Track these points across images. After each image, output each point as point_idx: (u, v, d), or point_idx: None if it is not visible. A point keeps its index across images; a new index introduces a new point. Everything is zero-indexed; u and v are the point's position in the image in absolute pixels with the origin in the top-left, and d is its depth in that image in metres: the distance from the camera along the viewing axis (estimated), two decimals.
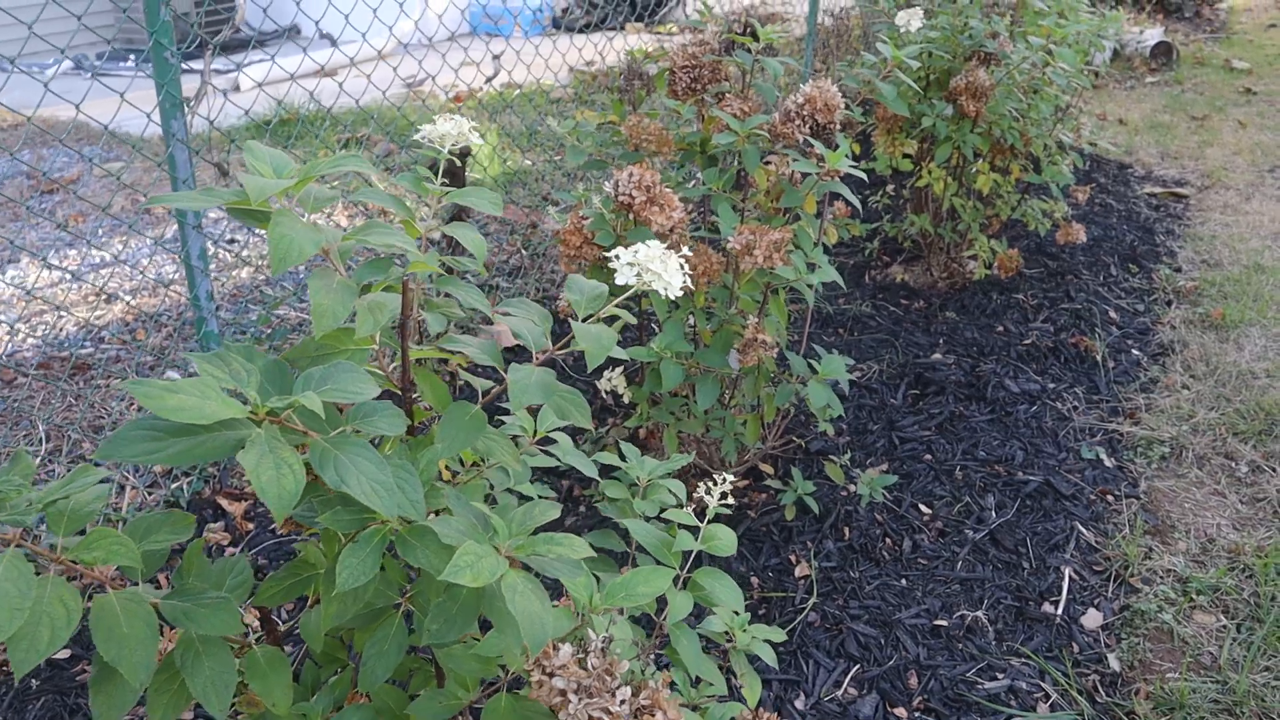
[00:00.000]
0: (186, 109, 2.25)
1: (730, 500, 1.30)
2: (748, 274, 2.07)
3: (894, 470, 2.63)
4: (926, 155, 3.42)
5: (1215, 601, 2.22)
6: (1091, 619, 2.19)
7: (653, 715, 0.96)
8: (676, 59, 2.42)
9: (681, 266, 0.99)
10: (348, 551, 0.92)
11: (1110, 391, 3.04)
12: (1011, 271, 3.56)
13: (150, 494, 2.53)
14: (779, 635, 1.42)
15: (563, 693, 0.93)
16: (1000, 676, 2.01)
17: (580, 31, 8.17)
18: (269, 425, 0.84)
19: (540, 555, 0.90)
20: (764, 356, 2.06)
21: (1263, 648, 2.08)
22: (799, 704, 1.95)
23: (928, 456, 2.70)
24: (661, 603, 1.19)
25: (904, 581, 2.27)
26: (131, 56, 7.06)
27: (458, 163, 2.85)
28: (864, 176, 2.13)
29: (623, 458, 1.37)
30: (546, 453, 1.19)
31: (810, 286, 2.04)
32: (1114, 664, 2.06)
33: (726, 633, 1.39)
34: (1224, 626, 2.15)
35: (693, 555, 1.23)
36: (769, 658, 1.40)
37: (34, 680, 1.98)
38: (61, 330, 3.37)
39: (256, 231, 3.94)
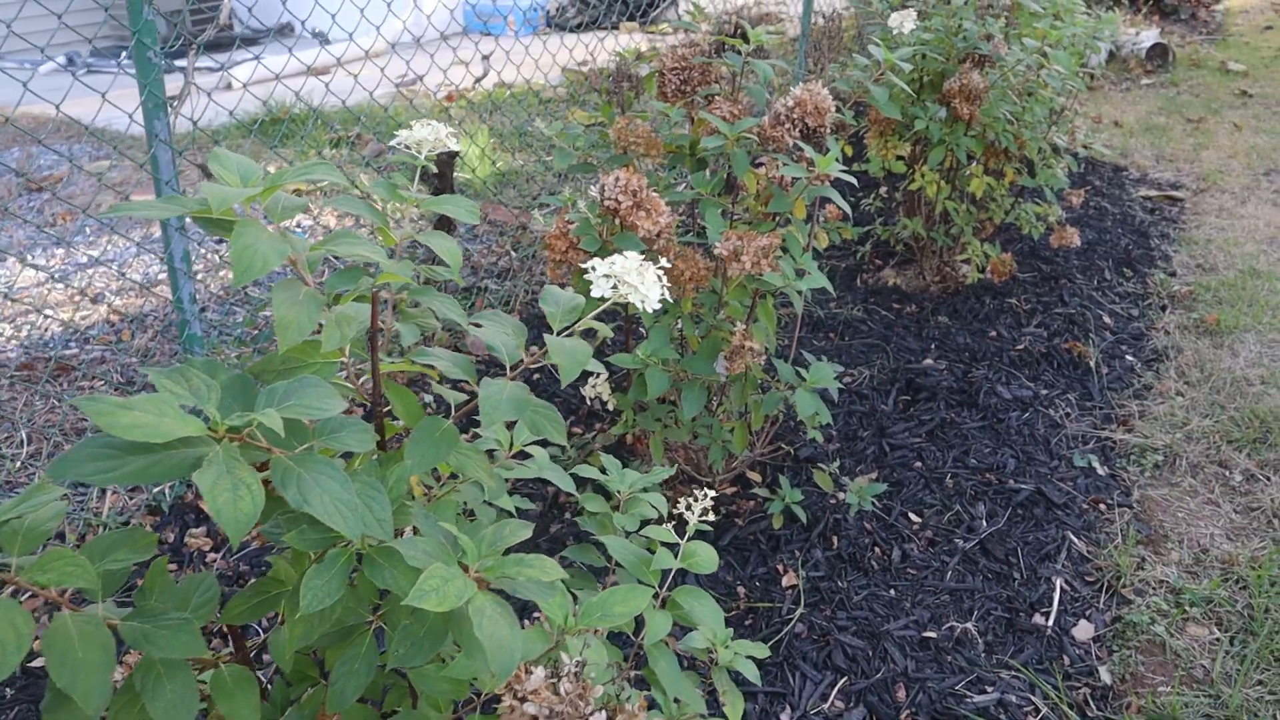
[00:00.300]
0: (170, 109, 2.21)
1: (711, 517, 1.27)
2: (735, 280, 2.04)
3: (884, 478, 2.60)
4: (919, 158, 3.39)
5: (1208, 613, 2.19)
6: (1083, 630, 2.16)
7: None
8: (666, 61, 2.39)
9: (660, 278, 0.96)
10: (312, 573, 0.89)
11: (1103, 398, 3.02)
12: (1005, 276, 3.54)
13: (132, 498, 2.49)
14: (763, 651, 1.39)
15: (534, 718, 0.90)
16: (990, 689, 1.99)
17: (574, 31, 8.14)
18: (228, 444, 0.81)
19: (510, 578, 0.87)
20: (751, 364, 2.03)
21: (1256, 661, 2.05)
22: (784, 718, 1.92)
23: (918, 464, 2.67)
24: (641, 621, 1.16)
25: (893, 592, 2.24)
26: (124, 53, 7.01)
27: (442, 165, 2.82)
28: (854, 181, 2.11)
29: (603, 470, 1.34)
30: (523, 466, 1.16)
31: (799, 293, 2.02)
32: (1105, 677, 2.04)
33: (709, 649, 1.36)
34: (1217, 639, 2.12)
35: (673, 572, 1.20)
36: (752, 675, 1.37)
37: (8, 689, 1.95)
38: (46, 331, 3.33)
39: None
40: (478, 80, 3.34)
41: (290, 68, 5.56)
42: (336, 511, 0.82)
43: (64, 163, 5.07)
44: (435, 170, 2.96)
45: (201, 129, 3.52)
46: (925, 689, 1.98)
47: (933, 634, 2.13)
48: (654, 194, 1.98)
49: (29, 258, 3.85)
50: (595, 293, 0.94)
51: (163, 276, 3.66)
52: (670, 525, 1.24)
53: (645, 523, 1.30)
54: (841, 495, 2.50)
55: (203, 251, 3.82)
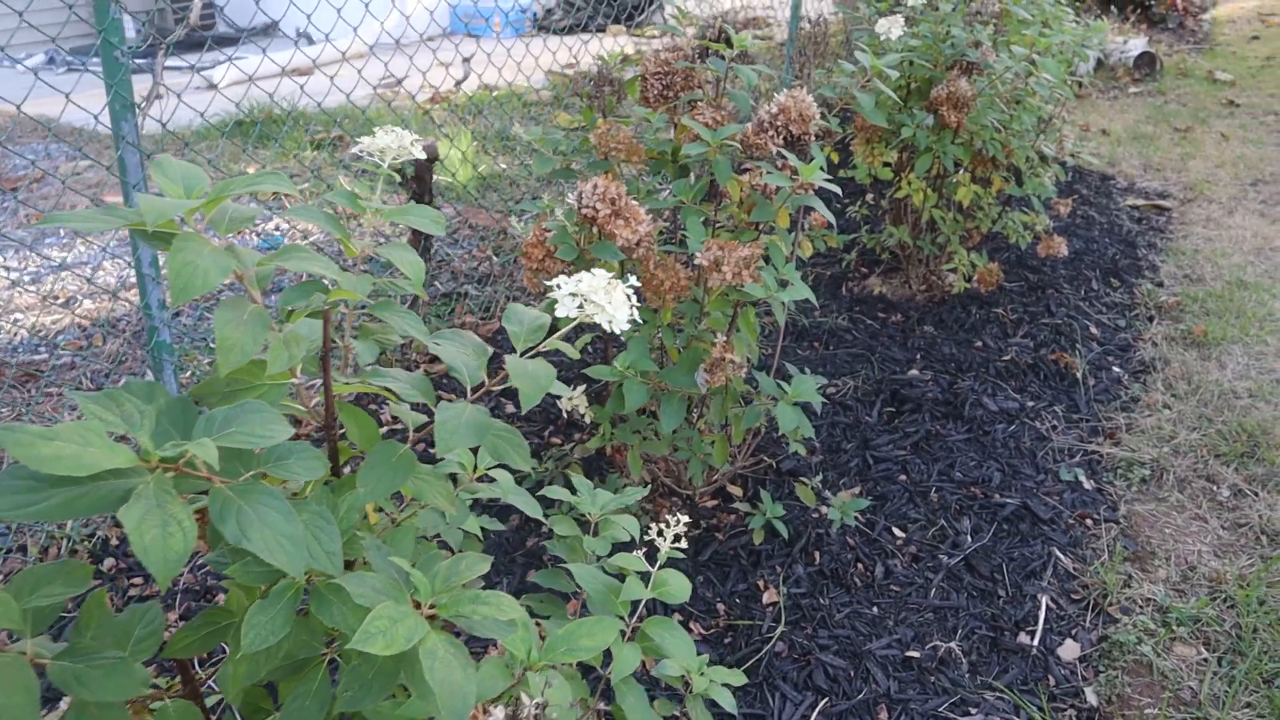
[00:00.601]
0: (138, 111, 2.15)
1: (684, 544, 1.22)
2: (716, 290, 1.99)
3: (868, 491, 2.56)
4: (906, 166, 3.35)
5: (1196, 633, 2.15)
6: (1069, 650, 2.12)
7: None
8: (648, 65, 2.34)
9: (629, 297, 0.91)
10: (256, 609, 0.84)
11: (1090, 410, 2.98)
12: (992, 286, 3.50)
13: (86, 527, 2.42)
14: (739, 678, 1.34)
15: None
16: (974, 711, 1.94)
17: (561, 33, 8.09)
18: (161, 475, 0.76)
19: (465, 616, 0.81)
20: (732, 376, 1.98)
21: (1244, 683, 2.01)
22: None
23: (902, 477, 2.63)
24: (609, 653, 1.11)
25: (875, 609, 2.20)
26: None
27: (420, 169, 2.77)
28: (838, 191, 2.06)
29: (573, 490, 1.29)
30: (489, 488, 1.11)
31: (782, 304, 1.97)
32: (1091, 698, 2.00)
33: (684, 676, 1.31)
34: (1205, 660, 2.08)
35: (644, 601, 1.15)
36: (729, 704, 1.32)
37: None
38: (16, 335, 3.26)
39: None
40: (458, 83, 3.29)
41: (270, 69, 5.50)
42: (279, 547, 0.77)
43: (41, 161, 4.99)
44: (413, 175, 2.90)
45: (178, 130, 3.46)
46: (908, 710, 1.94)
47: (916, 653, 2.08)
48: (633, 202, 1.93)
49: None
50: (560, 312, 0.89)
51: (133, 280, 3.59)
52: (642, 552, 1.19)
53: (617, 546, 1.25)
54: (824, 509, 2.45)
55: None
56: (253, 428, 0.80)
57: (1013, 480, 2.63)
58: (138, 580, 2.22)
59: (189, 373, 2.90)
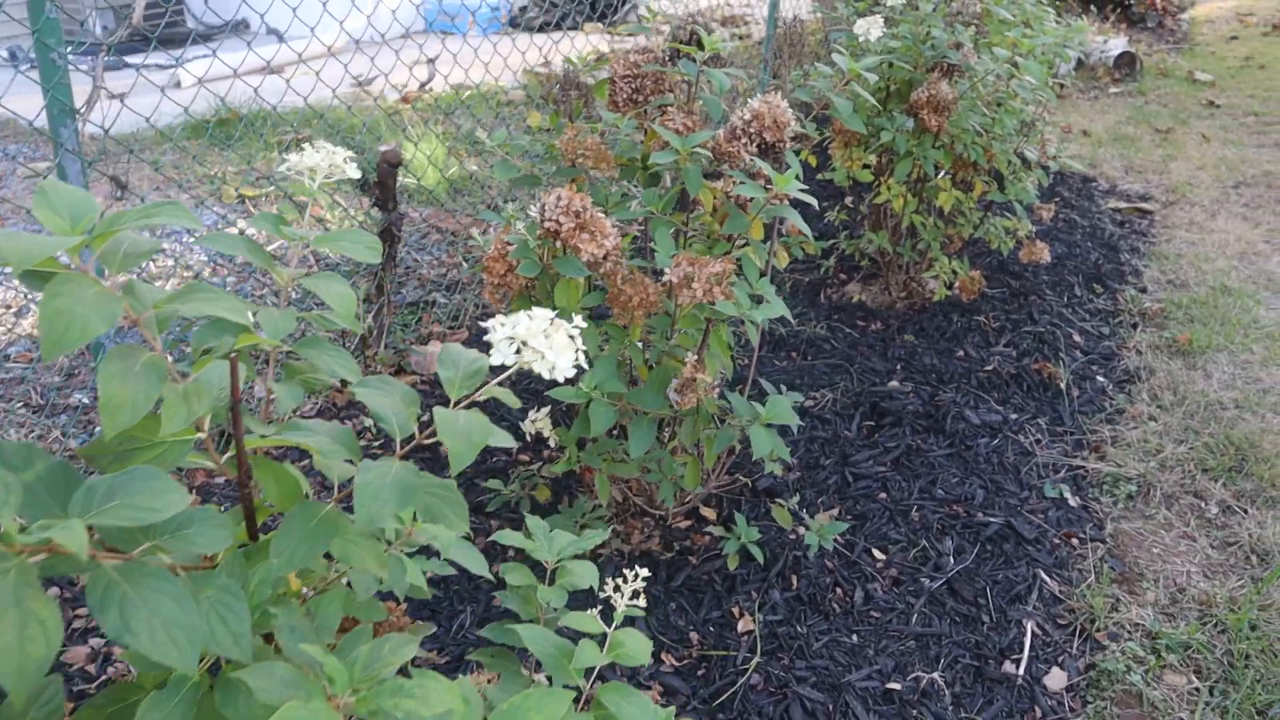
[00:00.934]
0: (79, 115, 2.04)
1: (642, 602, 1.12)
2: (686, 308, 1.90)
3: (847, 510, 2.47)
4: (886, 170, 3.27)
5: (1186, 660, 2.07)
6: (1055, 679, 2.03)
7: None
8: (617, 68, 2.24)
9: (575, 339, 0.82)
10: (150, 703, 0.73)
11: (1075, 423, 2.90)
12: (973, 295, 3.42)
13: None
14: None
15: None
16: None
17: (539, 31, 7.98)
18: (24, 563, 0.65)
19: (386, 712, 0.71)
20: (704, 397, 1.89)
21: (1237, 714, 1.93)
22: None
23: (883, 495, 2.54)
24: None
25: (855, 637, 2.11)
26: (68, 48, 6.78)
27: (383, 174, 2.66)
28: (814, 202, 1.97)
29: (528, 534, 1.19)
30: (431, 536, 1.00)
31: (755, 324, 1.88)
32: None
33: None
34: (1196, 689, 2.00)
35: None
36: None
37: None
38: None
39: (185, 237, 3.72)
40: (422, 85, 3.18)
41: (241, 67, 5.36)
42: (169, 642, 0.67)
43: (1, 161, 4.85)
44: (376, 180, 2.78)
45: (139, 132, 3.33)
46: None
47: (897, 685, 1.99)
48: (599, 214, 1.83)
49: None
50: (495, 359, 0.79)
51: None
52: (607, 596, 1.09)
53: (575, 595, 1.15)
54: (802, 530, 2.36)
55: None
56: (141, 499, 0.69)
57: (996, 497, 2.55)
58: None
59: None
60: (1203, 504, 2.56)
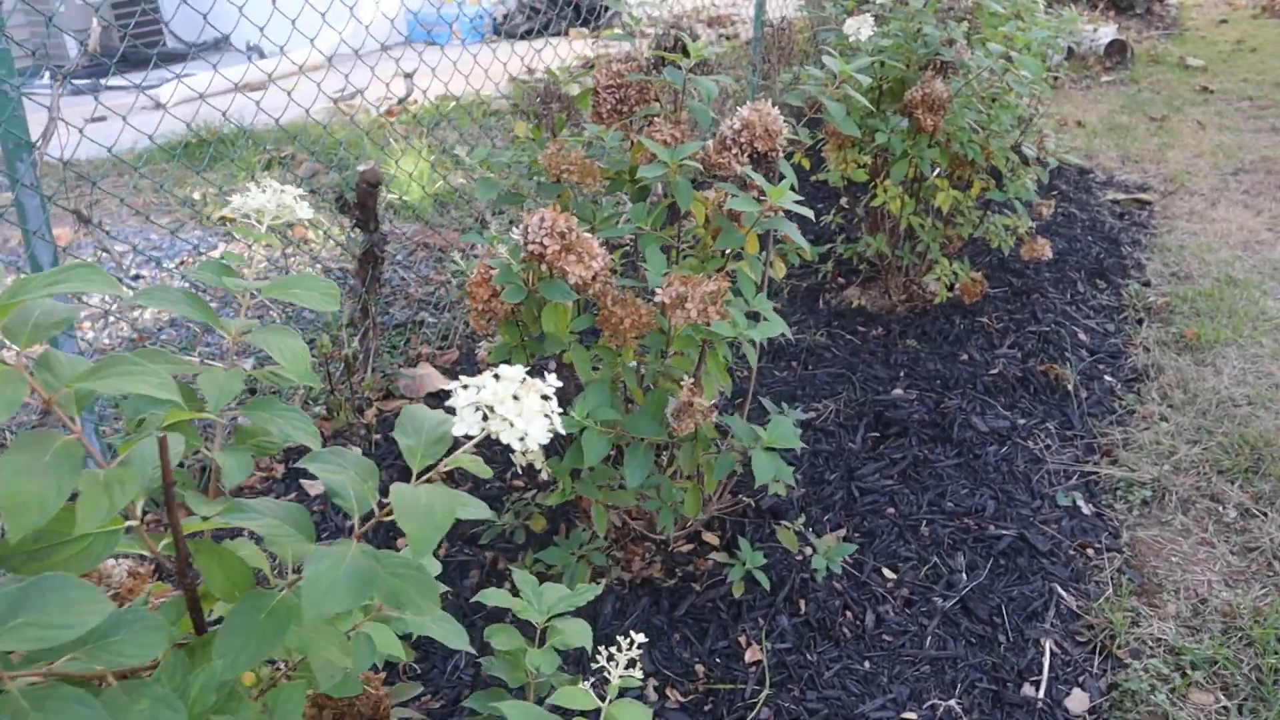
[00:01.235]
0: (36, 148, 1.95)
1: (638, 672, 1.04)
2: (679, 330, 1.81)
3: (854, 528, 2.38)
4: (881, 171, 3.18)
5: (1212, 677, 1.99)
6: (1077, 702, 1.95)
7: None
8: (600, 78, 2.15)
9: (548, 400, 0.73)
10: None
11: (1084, 426, 2.81)
12: (976, 297, 3.33)
13: None
14: None
15: None
16: None
17: (522, 38, 7.89)
18: None
19: None
20: (701, 423, 1.80)
21: None
22: None
23: (890, 510, 2.45)
24: None
25: (867, 664, 2.02)
26: (47, 74, 6.68)
27: (363, 195, 2.57)
28: (810, 214, 1.88)
29: (515, 591, 1.10)
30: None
31: (753, 343, 1.79)
32: None
33: None
34: (1224, 708, 1.92)
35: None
36: None
37: None
38: None
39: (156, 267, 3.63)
40: (400, 100, 3.10)
41: (221, 85, 5.27)
42: None
43: None
44: (356, 201, 2.69)
45: (119, 155, 3.24)
46: None
47: (913, 715, 1.90)
48: (586, 235, 1.74)
49: None
50: (458, 430, 0.70)
51: None
52: (590, 682, 1.00)
53: (568, 656, 1.06)
54: (809, 550, 2.27)
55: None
56: (51, 614, 0.61)
57: (1007, 508, 2.46)
58: None
59: (117, 426, 2.69)
60: (1220, 508, 2.48)
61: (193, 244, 3.74)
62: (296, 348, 0.83)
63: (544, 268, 1.74)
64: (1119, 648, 2.06)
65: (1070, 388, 2.99)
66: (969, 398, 2.91)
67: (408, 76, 3.54)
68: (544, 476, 1.89)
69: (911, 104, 2.87)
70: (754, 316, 1.87)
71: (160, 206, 4.24)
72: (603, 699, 0.95)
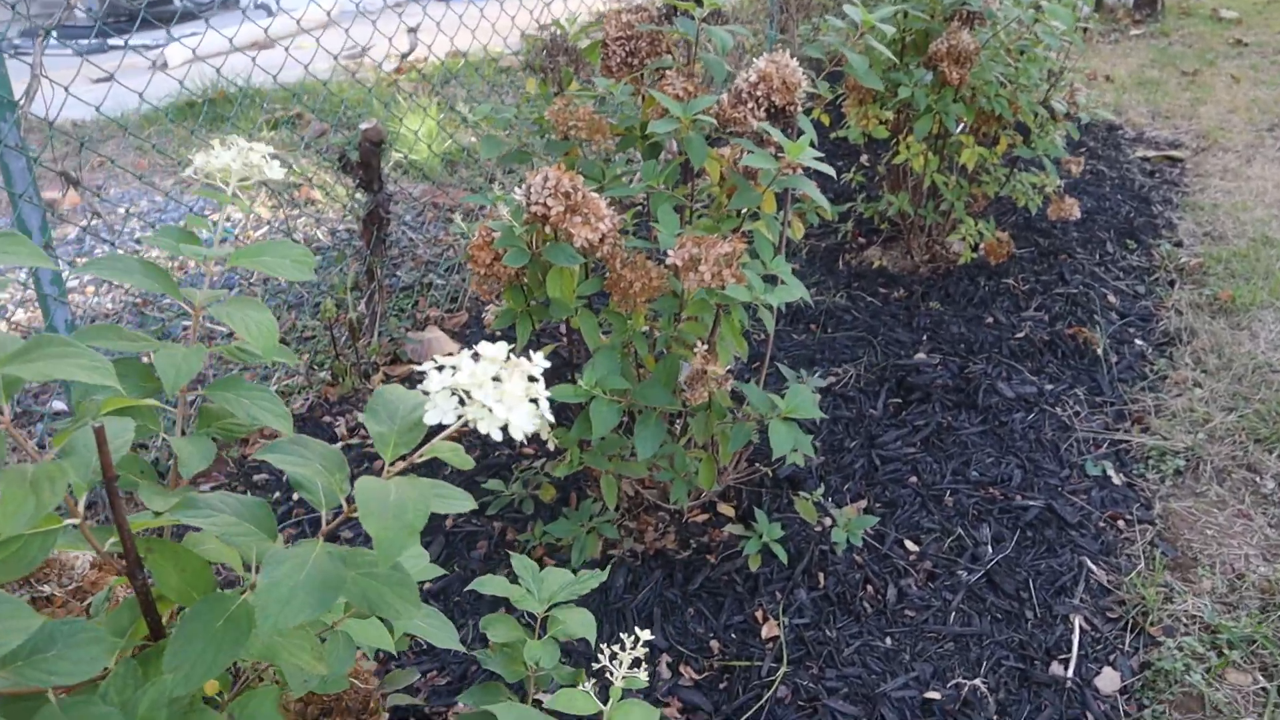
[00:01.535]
0: (20, 106, 1.86)
1: (644, 675, 0.96)
2: (693, 293, 1.72)
3: (875, 498, 2.30)
4: (904, 127, 3.06)
5: (1250, 657, 1.90)
6: (1107, 681, 1.87)
7: None
8: (609, 29, 2.05)
9: (536, 379, 0.64)
10: None
11: (1114, 392, 2.71)
12: (1002, 258, 3.22)
13: None
14: None
15: None
16: None
17: None
18: None
19: None
20: (715, 391, 1.71)
21: None
22: None
23: (913, 479, 2.37)
24: None
25: (889, 641, 1.94)
26: (53, 35, 6.60)
27: (366, 154, 2.49)
28: (832, 173, 1.78)
29: (515, 580, 1.02)
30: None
31: (771, 308, 1.70)
32: None
33: None
34: (1262, 689, 1.83)
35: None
36: None
37: None
38: None
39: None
40: (403, 56, 3.00)
41: (226, 44, 5.19)
42: None
43: None
44: (358, 160, 2.60)
45: (125, 115, 3.16)
46: None
47: (936, 694, 1.83)
48: (593, 195, 1.65)
49: None
50: (430, 419, 0.62)
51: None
52: (592, 685, 0.93)
53: (570, 649, 0.99)
54: (828, 521, 2.19)
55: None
56: None
57: (1035, 478, 2.37)
58: None
59: None
60: (1257, 478, 2.38)
61: (197, 207, 3.66)
62: (263, 321, 0.75)
63: (548, 230, 1.65)
64: (1152, 625, 1.98)
65: (1100, 352, 2.88)
66: (994, 362, 2.81)
67: (412, 31, 3.44)
68: (552, 446, 1.81)
69: (936, 56, 2.75)
70: (771, 279, 1.78)
71: (166, 169, 4.16)
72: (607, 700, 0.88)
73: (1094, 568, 2.12)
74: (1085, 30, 6.25)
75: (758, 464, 2.35)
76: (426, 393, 0.62)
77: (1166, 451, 2.47)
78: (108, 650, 0.60)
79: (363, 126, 2.45)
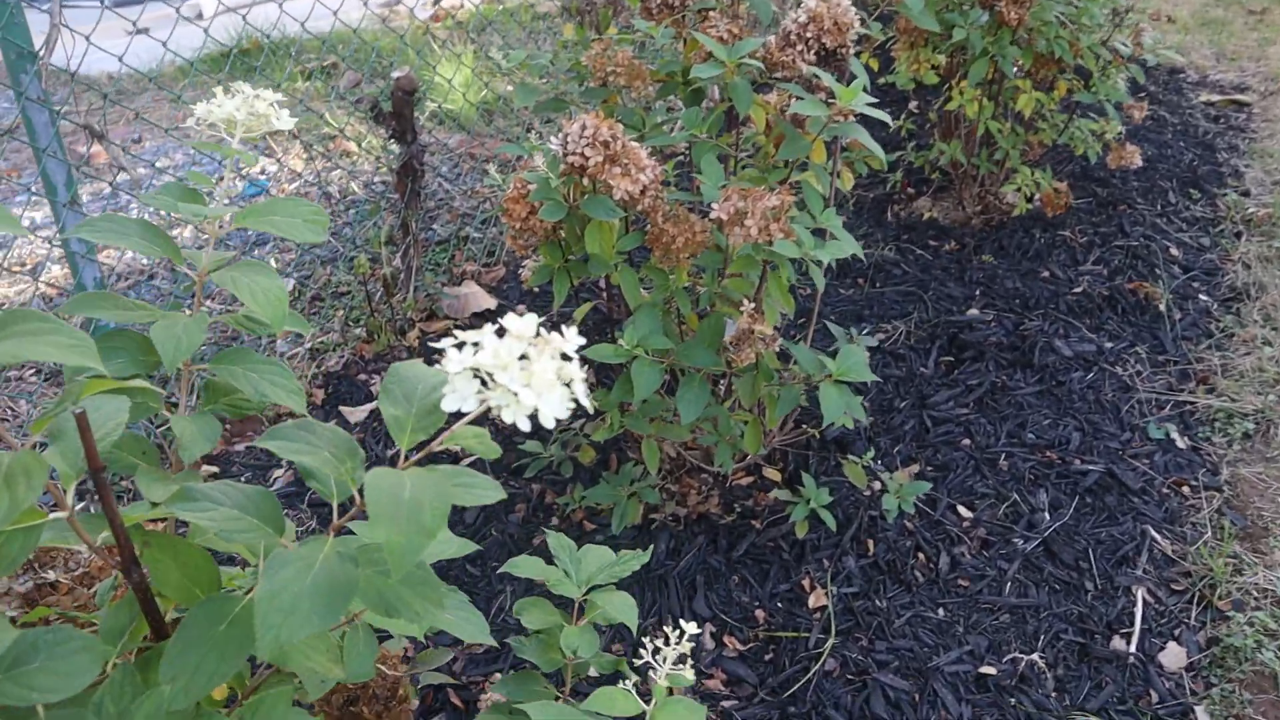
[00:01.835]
0: (39, 59, 1.80)
1: (689, 674, 0.89)
2: (737, 249, 1.63)
3: (927, 461, 2.21)
4: (956, 72, 2.92)
5: None
6: (1172, 657, 1.78)
7: None
8: None
9: (571, 358, 0.57)
10: None
11: (1178, 350, 2.59)
12: (1060, 209, 3.08)
13: None
14: None
15: None
16: None
17: None
18: None
19: None
20: (763, 352, 1.63)
21: None
22: None
23: (966, 441, 2.27)
24: None
25: (941, 612, 1.87)
26: None
27: (399, 104, 2.40)
28: (887, 118, 1.67)
29: (547, 555, 0.95)
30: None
31: (820, 265, 1.60)
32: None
33: None
34: None
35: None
36: None
37: None
38: None
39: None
40: (436, 2, 2.91)
41: None
42: None
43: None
44: (390, 110, 2.52)
45: (160, 69, 3.10)
46: None
47: (991, 669, 1.75)
48: (633, 145, 1.56)
49: None
50: (448, 405, 0.55)
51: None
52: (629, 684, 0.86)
53: (610, 634, 0.92)
54: (877, 485, 2.11)
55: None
56: None
57: (1094, 441, 2.27)
58: None
59: None
60: None
61: (215, 166, 3.61)
62: (271, 287, 0.68)
63: (586, 181, 1.56)
64: (1219, 598, 1.88)
65: (1162, 308, 2.75)
66: (1051, 319, 2.69)
67: None
68: (590, 410, 1.74)
69: None
70: (820, 234, 1.69)
71: (171, 125, 4.11)
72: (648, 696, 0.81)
73: (1157, 537, 2.02)
74: None
75: (804, 425, 2.26)
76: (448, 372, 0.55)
77: (1234, 414, 2.35)
78: (98, 660, 0.54)
79: (395, 75, 2.36)
